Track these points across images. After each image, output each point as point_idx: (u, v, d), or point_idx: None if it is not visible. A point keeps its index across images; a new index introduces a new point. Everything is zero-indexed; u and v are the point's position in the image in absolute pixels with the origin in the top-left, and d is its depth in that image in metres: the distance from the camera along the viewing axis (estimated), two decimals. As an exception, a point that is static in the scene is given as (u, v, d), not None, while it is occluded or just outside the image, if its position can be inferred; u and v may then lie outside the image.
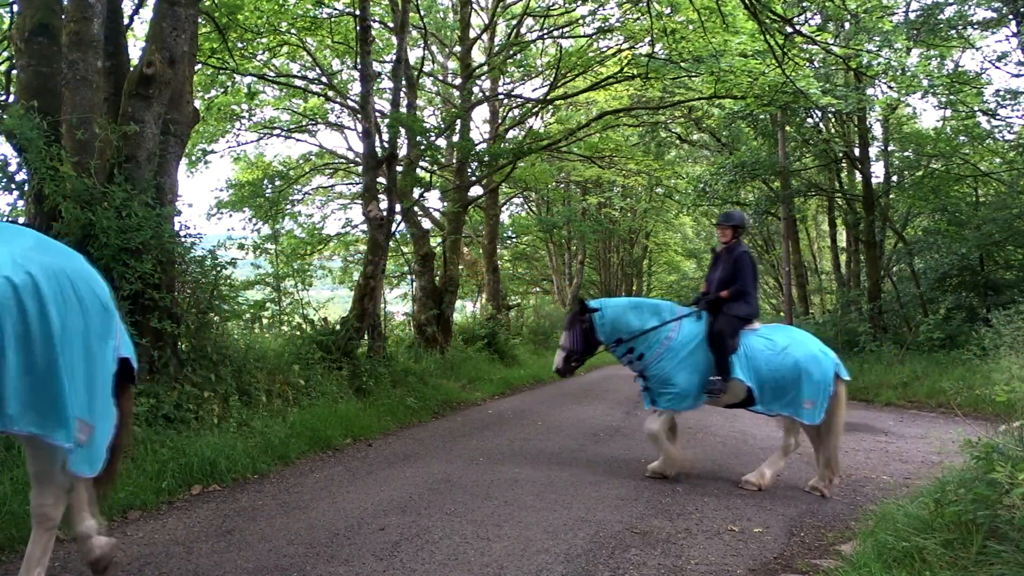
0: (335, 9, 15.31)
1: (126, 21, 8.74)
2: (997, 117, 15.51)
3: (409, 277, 19.08)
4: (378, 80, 15.57)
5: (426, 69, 19.23)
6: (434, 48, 20.48)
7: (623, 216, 32.00)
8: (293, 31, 15.22)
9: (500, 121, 20.10)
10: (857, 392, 13.61)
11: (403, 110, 11.83)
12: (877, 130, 18.21)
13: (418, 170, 13.06)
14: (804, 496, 5.72)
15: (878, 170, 18.61)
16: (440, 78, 21.64)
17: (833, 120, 17.69)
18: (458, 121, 15.71)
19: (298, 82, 17.46)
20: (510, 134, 19.89)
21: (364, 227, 17.25)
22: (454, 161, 16.99)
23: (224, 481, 5.58)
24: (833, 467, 5.88)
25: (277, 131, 19.77)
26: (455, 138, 16.62)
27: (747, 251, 6.31)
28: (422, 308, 14.43)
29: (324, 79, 17.24)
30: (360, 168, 14.83)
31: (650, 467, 6.26)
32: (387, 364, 10.24)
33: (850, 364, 14.82)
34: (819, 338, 6.43)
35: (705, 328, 6.00)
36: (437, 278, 15.08)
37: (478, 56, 19.57)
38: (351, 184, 23.78)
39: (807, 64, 13.21)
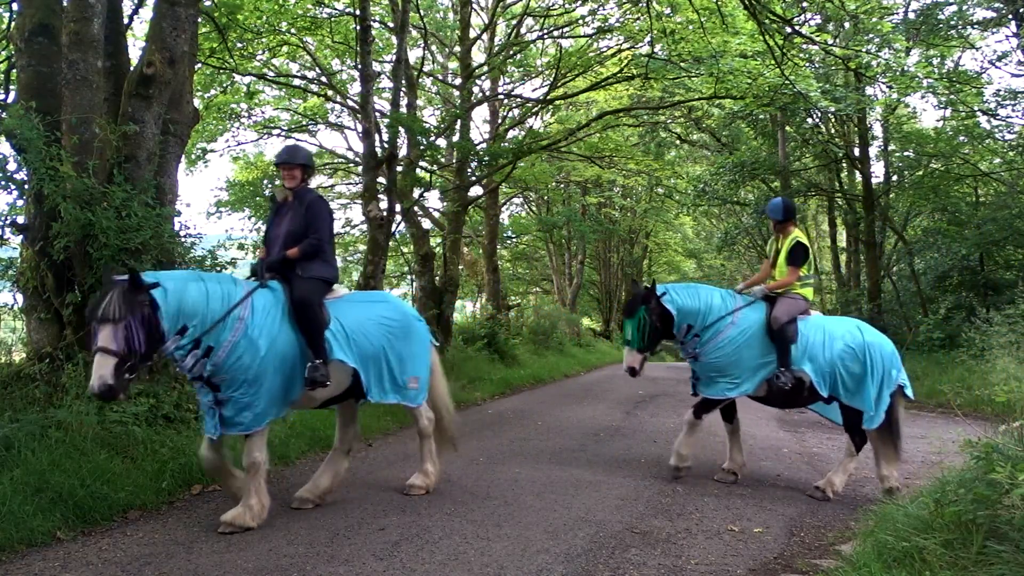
0: (335, 9, 15.32)
1: (126, 21, 8.74)
2: (997, 117, 15.53)
3: (409, 277, 19.11)
4: (378, 80, 15.58)
5: (426, 69, 19.25)
6: (434, 48, 20.48)
7: (623, 216, 32.02)
8: (293, 31, 15.22)
9: (500, 121, 20.11)
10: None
11: (403, 110, 11.83)
12: (877, 130, 18.22)
13: (418, 170, 13.07)
14: (804, 496, 5.71)
15: (878, 170, 18.66)
16: (440, 78, 21.64)
17: (833, 120, 17.70)
18: (458, 121, 15.71)
19: (298, 82, 17.47)
20: (510, 134, 19.88)
21: (364, 227, 17.26)
22: (454, 161, 16.99)
23: (224, 481, 5.58)
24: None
25: (276, 131, 19.78)
26: (455, 138, 16.62)
27: (321, 197, 5.24)
28: (422, 308, 14.43)
29: (324, 79, 17.25)
30: (360, 168, 14.83)
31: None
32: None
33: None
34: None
35: (284, 299, 4.71)
36: (437, 278, 15.08)
37: (478, 56, 19.58)
38: (351, 184, 23.78)
39: (807, 64, 13.21)
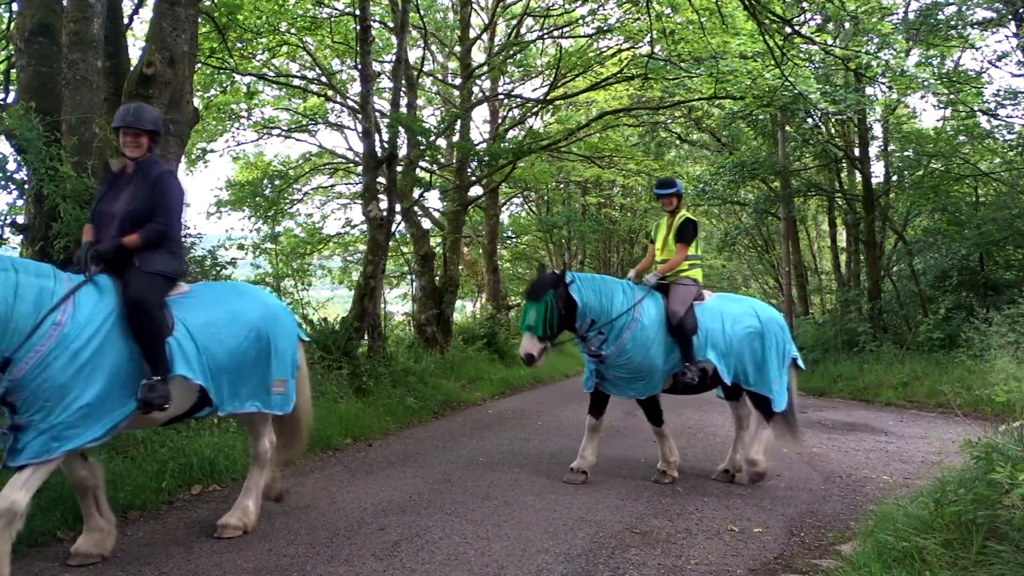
0: (335, 9, 15.32)
1: (126, 21, 8.73)
2: (997, 117, 15.51)
3: (409, 277, 19.09)
4: (378, 80, 15.57)
5: (426, 69, 19.24)
6: (434, 48, 20.48)
7: (623, 216, 32.01)
8: (293, 31, 15.22)
9: (500, 121, 20.10)
10: (857, 392, 13.63)
11: (403, 110, 11.82)
12: (877, 130, 18.21)
13: (418, 170, 13.06)
14: (804, 496, 5.71)
15: (878, 170, 18.63)
16: (440, 78, 21.64)
17: (833, 120, 17.69)
18: (458, 121, 15.71)
19: (298, 82, 17.47)
20: (510, 134, 19.88)
21: (364, 227, 17.26)
22: (454, 161, 16.99)
23: (224, 481, 5.58)
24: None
25: (276, 131, 19.79)
26: (455, 138, 16.62)
27: (171, 171, 4.29)
28: (422, 308, 14.44)
29: (324, 79, 17.24)
30: (360, 168, 14.83)
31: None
32: (387, 364, 10.23)
33: (850, 364, 15.00)
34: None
35: (115, 299, 3.79)
36: (437, 278, 15.08)
37: (478, 56, 19.58)
38: (351, 184, 23.78)
39: (807, 65, 13.21)
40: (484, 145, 18.10)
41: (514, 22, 18.33)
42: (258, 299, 4.46)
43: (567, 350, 21.70)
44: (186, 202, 4.34)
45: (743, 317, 5.90)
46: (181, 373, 3.83)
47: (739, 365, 5.80)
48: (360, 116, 11.83)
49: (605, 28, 16.84)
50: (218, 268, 7.32)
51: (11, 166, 6.03)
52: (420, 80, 17.90)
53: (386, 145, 11.30)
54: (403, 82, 12.09)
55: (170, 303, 3.98)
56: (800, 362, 6.19)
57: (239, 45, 14.22)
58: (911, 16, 15.61)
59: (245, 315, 4.24)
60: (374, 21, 14.54)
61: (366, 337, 10.37)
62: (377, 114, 11.77)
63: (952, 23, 15.03)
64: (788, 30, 10.58)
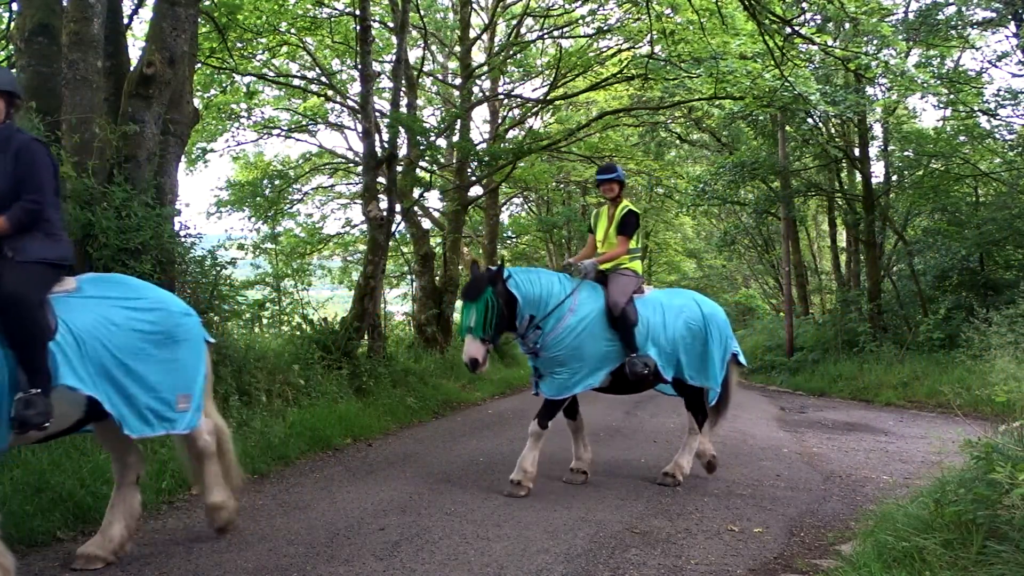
0: (335, 9, 15.32)
1: (126, 21, 8.74)
2: (997, 117, 15.52)
3: (409, 277, 19.09)
4: (378, 80, 15.57)
5: (426, 69, 19.24)
6: (434, 48, 20.48)
7: (623, 216, 31.96)
8: (293, 31, 15.23)
9: (500, 121, 20.10)
10: (857, 392, 13.64)
11: (403, 110, 11.83)
12: (877, 130, 18.21)
13: (418, 170, 13.06)
14: (804, 496, 5.71)
15: (878, 170, 18.64)
16: (440, 78, 21.64)
17: (833, 120, 17.70)
18: (458, 121, 15.71)
19: (298, 82, 17.47)
20: (510, 134, 19.89)
21: (364, 227, 17.26)
22: (454, 161, 16.99)
23: (224, 481, 5.57)
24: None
25: (276, 131, 19.79)
26: (455, 138, 16.62)
27: (37, 140, 3.53)
28: (422, 308, 14.44)
29: (324, 79, 17.24)
30: (360, 168, 14.83)
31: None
32: (387, 364, 10.24)
33: (850, 364, 15.01)
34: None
35: None
36: (437, 278, 15.08)
37: (478, 56, 19.58)
38: (351, 184, 23.78)
39: (807, 66, 13.21)
40: (484, 145, 18.10)
41: (514, 22, 18.33)
42: (154, 297, 3.86)
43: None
44: (58, 169, 3.57)
45: (685, 309, 5.74)
46: (67, 383, 3.25)
47: (681, 359, 5.62)
48: (360, 116, 11.84)
49: (605, 28, 16.84)
50: (218, 268, 7.32)
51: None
52: (420, 80, 17.90)
53: (386, 145, 11.30)
54: (403, 82, 12.09)
55: (52, 300, 3.37)
56: (741, 358, 6.07)
57: (239, 45, 14.23)
58: (911, 17, 15.62)
59: (140, 317, 3.65)
60: (374, 21, 14.54)
61: (366, 337, 10.37)
62: (377, 114, 11.77)
63: (952, 23, 15.03)
64: (788, 30, 10.58)
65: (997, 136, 16.07)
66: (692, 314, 5.73)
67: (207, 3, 10.79)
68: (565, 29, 17.94)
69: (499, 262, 5.70)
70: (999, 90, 15.40)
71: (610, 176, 5.94)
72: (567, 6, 17.39)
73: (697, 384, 5.74)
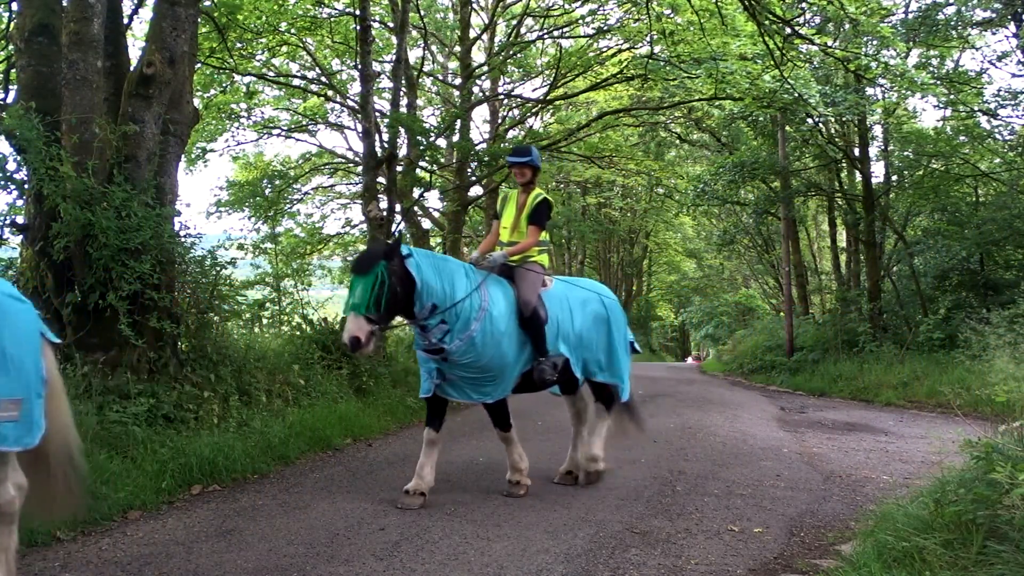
0: (335, 9, 15.33)
1: (126, 21, 8.73)
2: (997, 117, 15.53)
3: (409, 277, 19.02)
4: (378, 80, 15.57)
5: (426, 69, 19.25)
6: (434, 48, 20.48)
7: (623, 216, 32.02)
8: (293, 31, 15.23)
9: (500, 121, 20.12)
10: (857, 392, 13.63)
11: (403, 110, 11.84)
12: (877, 130, 18.22)
13: (418, 170, 13.07)
14: (804, 496, 5.71)
15: (878, 170, 18.64)
16: (440, 78, 21.65)
17: (833, 121, 17.70)
18: (458, 121, 15.72)
19: (298, 82, 17.47)
20: (510, 134, 19.90)
21: (364, 227, 17.25)
22: (454, 161, 17.01)
23: (224, 481, 5.58)
24: None
25: (276, 131, 19.79)
26: (455, 138, 16.64)
27: None
28: (422, 308, 14.40)
29: (324, 79, 17.25)
30: (360, 168, 14.83)
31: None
32: (387, 364, 10.24)
33: (850, 364, 15.00)
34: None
35: None
36: (437, 278, 15.04)
37: (478, 56, 19.60)
38: (351, 184, 23.78)
39: (807, 66, 13.22)
40: (484, 145, 18.11)
41: (514, 22, 18.34)
42: None
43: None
44: None
45: (589, 302, 5.59)
46: None
47: (589, 355, 5.47)
48: (360, 116, 11.84)
49: (605, 28, 16.86)
50: (218, 268, 7.32)
51: (11, 166, 6.04)
52: (420, 80, 17.91)
53: (386, 145, 11.31)
54: (403, 82, 12.10)
55: None
56: (636, 346, 5.99)
57: (239, 45, 14.23)
58: (911, 17, 15.62)
59: None
60: (374, 21, 14.55)
61: (366, 337, 10.34)
62: (377, 114, 11.78)
63: (952, 23, 15.04)
64: (788, 31, 10.58)
65: (997, 136, 16.09)
66: (597, 309, 5.58)
67: (207, 3, 10.79)
68: (565, 29, 17.96)
69: (396, 235, 5.38)
70: (999, 90, 15.47)
71: (523, 159, 5.45)
72: (567, 6, 17.41)
73: (607, 381, 5.67)
